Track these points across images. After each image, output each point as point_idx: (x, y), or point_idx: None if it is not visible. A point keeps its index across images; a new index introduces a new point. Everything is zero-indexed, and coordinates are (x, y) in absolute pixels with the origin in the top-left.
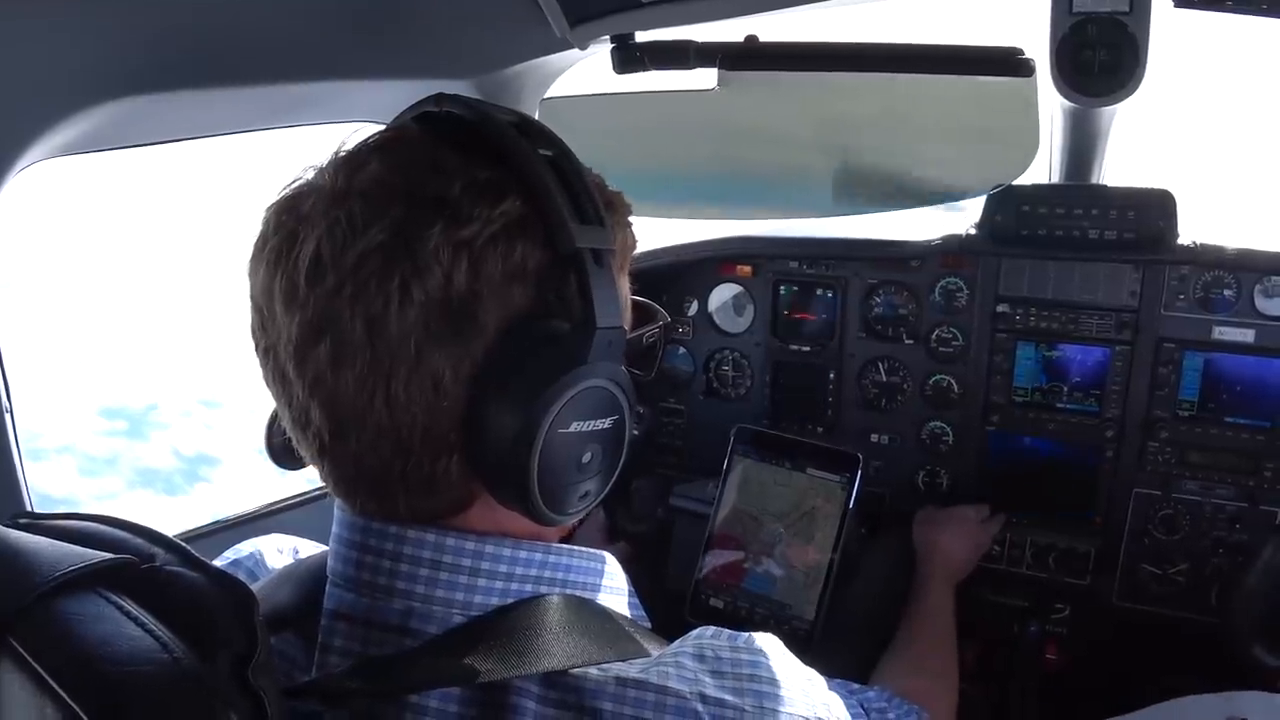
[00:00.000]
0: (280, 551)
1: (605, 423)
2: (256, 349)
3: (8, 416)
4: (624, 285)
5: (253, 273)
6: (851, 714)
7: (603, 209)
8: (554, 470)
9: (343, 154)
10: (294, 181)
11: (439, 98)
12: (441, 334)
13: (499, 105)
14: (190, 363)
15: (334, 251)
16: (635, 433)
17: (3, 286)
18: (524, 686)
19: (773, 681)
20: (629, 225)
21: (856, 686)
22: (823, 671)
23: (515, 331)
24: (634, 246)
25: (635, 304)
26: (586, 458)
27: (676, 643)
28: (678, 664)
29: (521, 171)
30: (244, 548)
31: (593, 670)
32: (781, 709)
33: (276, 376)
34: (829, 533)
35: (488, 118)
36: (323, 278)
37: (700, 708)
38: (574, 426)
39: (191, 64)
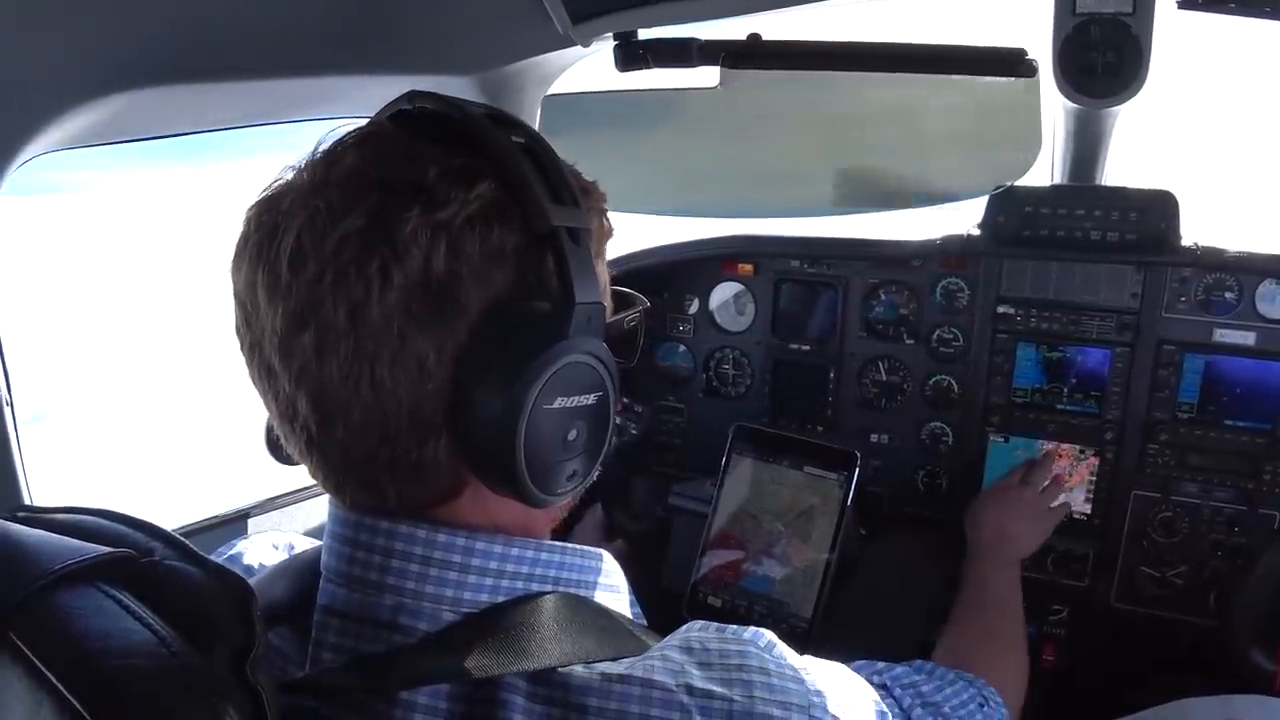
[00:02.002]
0: (276, 547)
1: (590, 399)
2: (242, 346)
3: (7, 409)
4: (602, 270)
5: (235, 270)
6: (864, 696)
7: (577, 191)
8: (540, 447)
9: (319, 152)
10: (273, 183)
11: (412, 95)
12: (423, 316)
13: (471, 101)
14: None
15: (314, 240)
16: (634, 431)
17: (7, 279)
18: (513, 683)
19: (763, 671)
20: (604, 213)
21: (882, 665)
22: None
23: (496, 311)
24: (610, 234)
25: (616, 294)
26: (572, 435)
27: (666, 638)
28: (664, 657)
29: (495, 156)
30: (241, 542)
31: (578, 668)
32: (773, 697)
33: (262, 371)
34: (826, 531)
35: (459, 109)
36: (304, 266)
37: (687, 699)
38: (558, 402)
39: (197, 58)
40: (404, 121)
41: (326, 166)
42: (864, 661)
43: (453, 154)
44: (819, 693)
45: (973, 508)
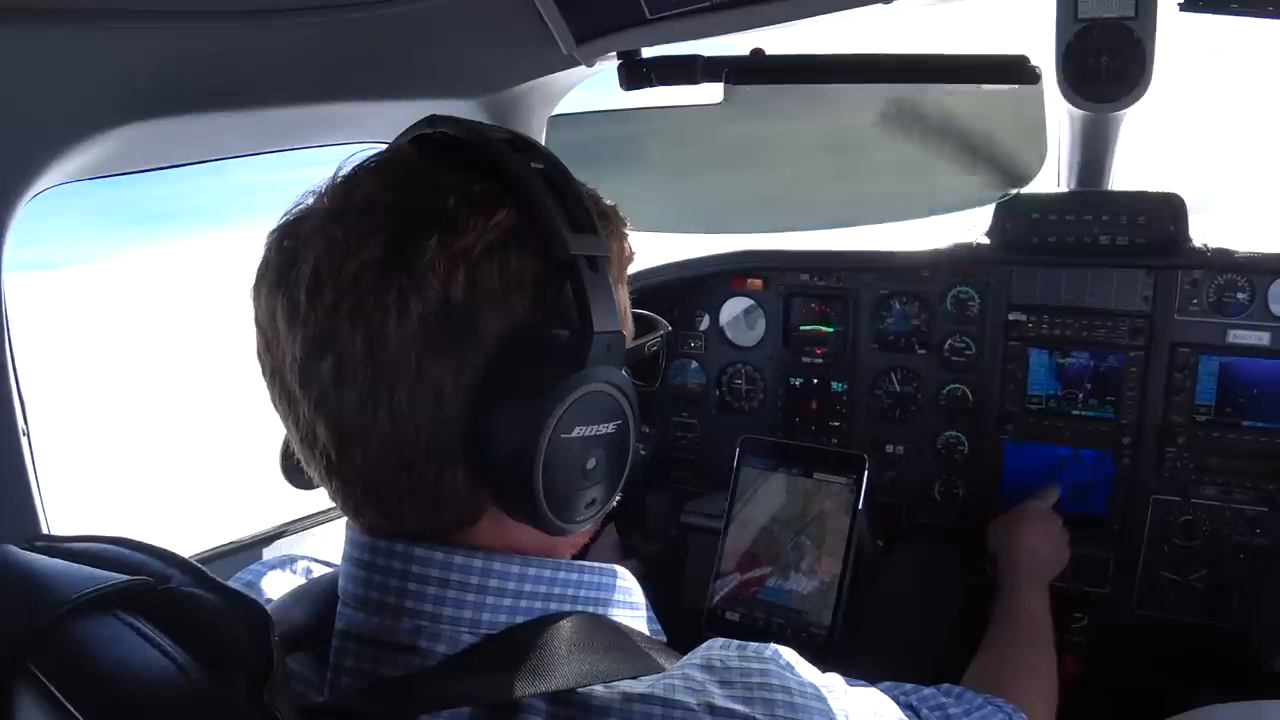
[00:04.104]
0: (293, 572)
1: (609, 427)
2: (263, 372)
3: (25, 439)
4: (623, 295)
5: (256, 296)
6: (889, 715)
7: (596, 218)
8: (559, 476)
9: (339, 177)
10: (293, 208)
11: (432, 119)
12: (441, 346)
13: (491, 124)
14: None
15: (332, 268)
16: (642, 451)
17: (20, 305)
18: (533, 704)
19: (785, 689)
20: (624, 236)
21: (909, 687)
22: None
23: (514, 340)
24: (631, 258)
25: (636, 316)
26: (591, 463)
27: (686, 656)
28: (685, 676)
29: (514, 184)
30: (258, 567)
31: (599, 687)
32: (795, 716)
33: (283, 396)
34: (840, 536)
35: (479, 135)
36: (322, 294)
37: (708, 718)
38: (577, 431)
39: (204, 88)
40: (423, 146)
41: (346, 192)
42: (890, 683)
43: (471, 180)
44: (842, 711)
45: (1002, 530)
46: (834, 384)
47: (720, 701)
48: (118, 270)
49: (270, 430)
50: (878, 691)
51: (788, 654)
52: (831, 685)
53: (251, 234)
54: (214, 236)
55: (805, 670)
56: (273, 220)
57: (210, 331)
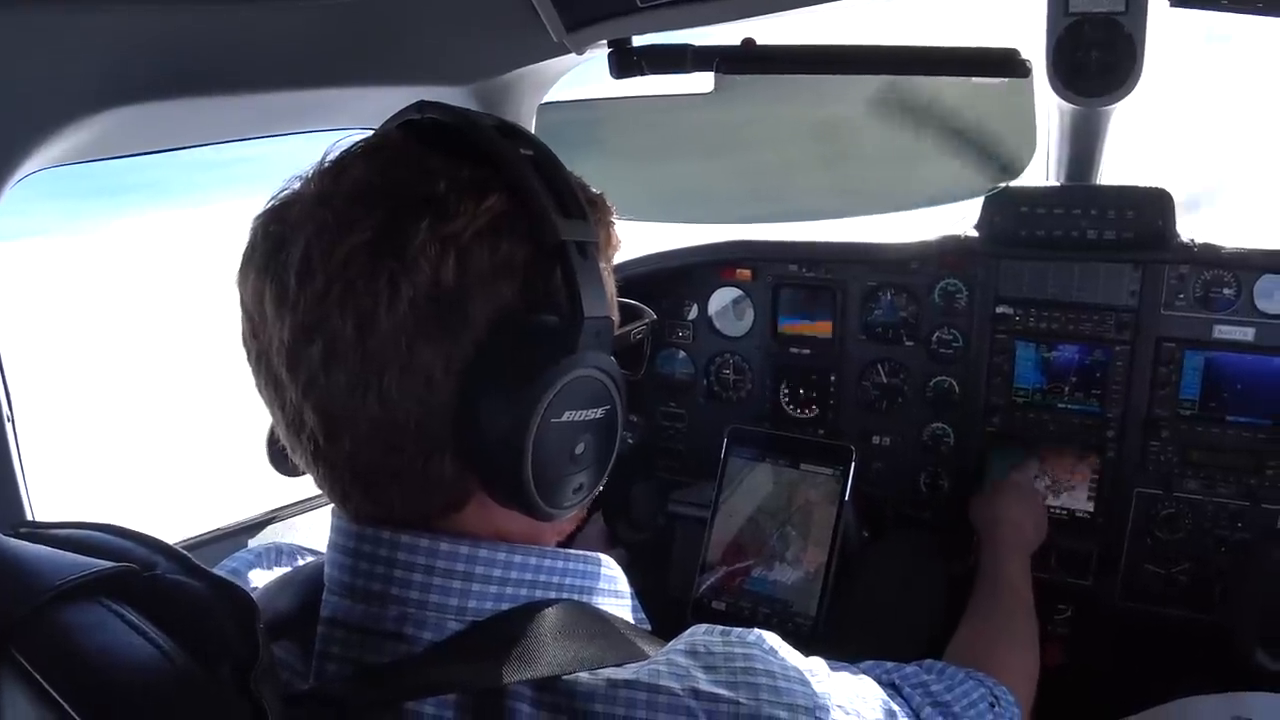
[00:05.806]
0: (280, 559)
1: (597, 412)
2: (248, 357)
3: (9, 425)
4: (609, 282)
5: (242, 281)
6: (872, 696)
7: (585, 204)
8: (547, 461)
9: (327, 162)
10: (280, 192)
11: (421, 105)
12: (431, 330)
13: (479, 111)
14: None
15: (322, 252)
16: (630, 441)
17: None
18: (519, 691)
19: (769, 674)
20: (611, 224)
21: (891, 665)
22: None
23: (504, 325)
24: (618, 246)
25: (621, 305)
26: (579, 449)
27: (670, 643)
28: (669, 662)
29: (504, 169)
30: (244, 555)
31: (584, 674)
32: (779, 700)
33: (269, 382)
34: (826, 526)
35: (468, 121)
36: (312, 278)
37: (693, 703)
38: (566, 416)
39: (191, 72)
40: (412, 132)
41: (334, 177)
42: (872, 662)
43: (461, 166)
44: (825, 694)
45: (985, 505)
46: (822, 375)
47: (705, 686)
48: (70, 245)
49: (208, 413)
50: (860, 672)
51: (771, 638)
52: (814, 668)
53: (203, 211)
54: (164, 212)
55: (788, 654)
56: (223, 195)
57: (161, 306)
